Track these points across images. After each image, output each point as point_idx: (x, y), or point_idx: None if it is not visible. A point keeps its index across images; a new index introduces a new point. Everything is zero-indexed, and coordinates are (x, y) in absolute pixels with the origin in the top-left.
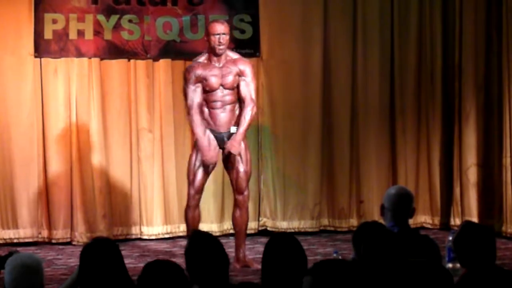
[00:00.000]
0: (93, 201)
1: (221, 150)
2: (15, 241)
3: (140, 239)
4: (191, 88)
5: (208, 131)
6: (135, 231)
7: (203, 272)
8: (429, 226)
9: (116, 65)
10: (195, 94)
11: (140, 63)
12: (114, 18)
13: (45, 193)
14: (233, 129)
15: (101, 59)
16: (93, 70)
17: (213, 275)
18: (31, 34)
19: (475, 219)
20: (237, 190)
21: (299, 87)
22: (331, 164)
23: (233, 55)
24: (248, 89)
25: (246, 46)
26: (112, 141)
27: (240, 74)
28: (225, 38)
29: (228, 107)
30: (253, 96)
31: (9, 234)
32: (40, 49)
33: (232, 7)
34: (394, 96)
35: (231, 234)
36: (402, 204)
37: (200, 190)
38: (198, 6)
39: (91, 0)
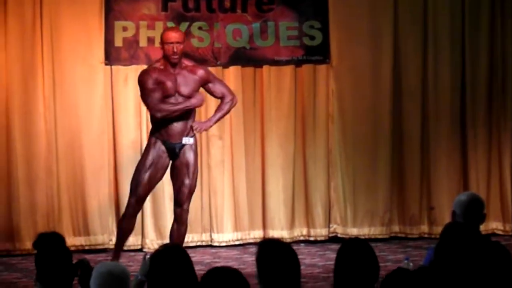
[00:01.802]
0: (163, 208)
1: (170, 162)
2: (86, 248)
3: (211, 246)
4: (150, 88)
5: (159, 142)
6: (205, 238)
7: (275, 279)
8: (500, 232)
9: None
10: (155, 94)
11: (211, 70)
12: (184, 25)
13: (116, 200)
14: (185, 140)
15: None
16: None
17: (285, 282)
18: (102, 42)
19: None
20: (177, 202)
21: (369, 93)
22: (401, 170)
23: (188, 63)
24: (220, 86)
25: (316, 52)
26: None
27: (203, 81)
28: (179, 47)
29: (182, 116)
30: (230, 89)
31: (80, 241)
32: (111, 57)
33: (302, 14)
34: (465, 101)
35: (302, 241)
36: (473, 210)
37: (143, 199)
38: (268, 13)
39: (161, 8)
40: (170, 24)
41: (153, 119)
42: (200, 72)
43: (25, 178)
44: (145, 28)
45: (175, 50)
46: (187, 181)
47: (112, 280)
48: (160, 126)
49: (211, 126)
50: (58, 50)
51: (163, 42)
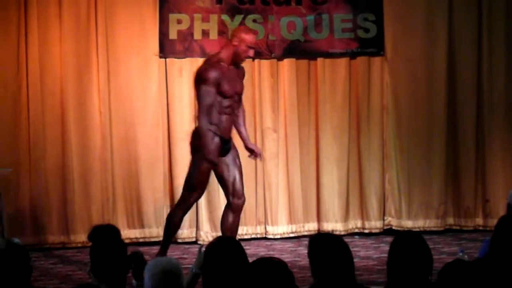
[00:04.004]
0: (218, 200)
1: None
2: (140, 240)
3: (266, 238)
4: (208, 89)
5: (216, 137)
6: (260, 230)
7: (329, 272)
8: None
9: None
10: (209, 96)
11: (265, 63)
12: (238, 18)
13: (170, 193)
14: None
15: None
16: None
17: (338, 275)
18: (156, 34)
19: None
20: (235, 194)
21: (423, 85)
22: (456, 163)
23: None
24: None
25: (371, 45)
26: (236, 141)
27: (243, 78)
28: (253, 52)
29: (230, 113)
30: None
31: (135, 233)
32: (165, 49)
33: (356, 6)
34: None
35: (356, 233)
36: None
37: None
38: (322, 5)
39: (215, 0)
40: (224, 17)
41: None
42: (243, 70)
43: (80, 170)
44: (199, 21)
45: (250, 54)
46: (240, 174)
47: (167, 278)
48: (217, 121)
49: None
50: (113, 42)
51: (242, 42)
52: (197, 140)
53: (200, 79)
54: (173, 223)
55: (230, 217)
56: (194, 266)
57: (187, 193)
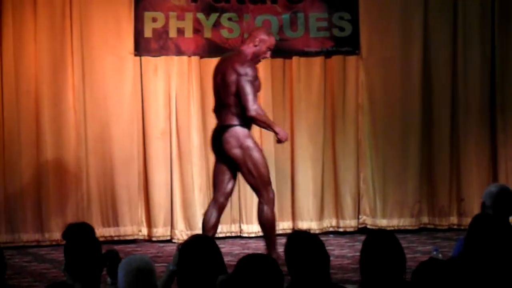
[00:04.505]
0: (193, 199)
1: None
2: (115, 238)
3: (240, 237)
4: (253, 83)
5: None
6: (234, 229)
7: (304, 270)
8: None
9: (216, 63)
10: (254, 91)
11: None
12: (213, 16)
13: (145, 191)
14: None
15: (201, 57)
16: (193, 68)
17: (314, 273)
18: (131, 33)
19: None
20: (226, 195)
21: (399, 85)
22: (431, 162)
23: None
24: None
25: (346, 44)
26: None
27: None
28: (270, 54)
29: None
30: None
31: (109, 231)
32: (140, 47)
33: (332, 5)
34: (494, 93)
35: (331, 232)
36: (503, 202)
37: None
38: (297, 4)
39: None
40: (200, 15)
41: (238, 107)
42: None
43: (55, 169)
44: (174, 19)
45: (267, 56)
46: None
47: (141, 276)
48: (246, 119)
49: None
50: (88, 41)
51: (263, 43)
52: (232, 139)
53: (240, 73)
54: (272, 220)
55: (214, 217)
56: (171, 264)
57: (265, 191)
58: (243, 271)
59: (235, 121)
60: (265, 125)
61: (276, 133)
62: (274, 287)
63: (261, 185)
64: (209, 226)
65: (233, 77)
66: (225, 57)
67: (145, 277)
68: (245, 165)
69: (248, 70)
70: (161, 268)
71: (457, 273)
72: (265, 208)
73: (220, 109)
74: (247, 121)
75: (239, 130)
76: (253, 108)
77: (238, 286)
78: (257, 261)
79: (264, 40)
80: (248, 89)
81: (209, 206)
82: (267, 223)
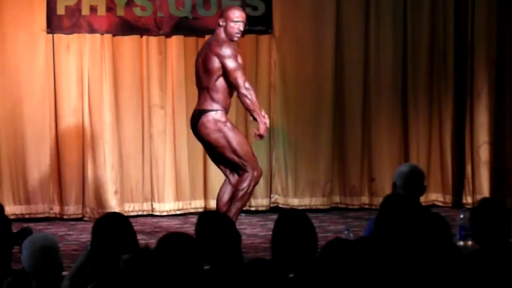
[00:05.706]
0: (105, 177)
1: None
2: (26, 216)
3: (152, 215)
4: (239, 64)
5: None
6: (146, 207)
7: (214, 249)
8: (440, 204)
9: (129, 42)
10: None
11: (153, 40)
12: None
13: (57, 169)
14: None
15: (114, 35)
16: (105, 46)
17: (224, 252)
18: (44, 10)
19: (486, 197)
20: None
21: (311, 64)
22: (342, 142)
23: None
24: None
25: (258, 23)
26: (124, 117)
27: None
28: (243, 27)
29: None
30: None
31: (20, 209)
32: (53, 25)
33: None
34: (406, 73)
35: (243, 211)
36: (414, 182)
37: None
38: None
39: None
40: None
41: (217, 92)
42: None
43: None
44: None
45: (240, 28)
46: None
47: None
48: (225, 102)
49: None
50: None
51: (227, 20)
52: (210, 124)
53: (221, 55)
54: (247, 198)
55: (227, 193)
56: (89, 244)
57: (252, 169)
58: (164, 249)
59: (213, 106)
60: (252, 107)
61: (258, 122)
62: (194, 265)
63: (248, 162)
64: (222, 204)
65: (215, 63)
66: (206, 41)
67: (50, 255)
68: (229, 145)
69: (227, 50)
70: (72, 247)
71: (364, 252)
72: (244, 185)
73: (199, 91)
74: (225, 107)
75: (216, 115)
76: (244, 85)
77: (159, 264)
78: (177, 240)
79: (226, 16)
80: (233, 66)
81: (222, 185)
82: (241, 200)
